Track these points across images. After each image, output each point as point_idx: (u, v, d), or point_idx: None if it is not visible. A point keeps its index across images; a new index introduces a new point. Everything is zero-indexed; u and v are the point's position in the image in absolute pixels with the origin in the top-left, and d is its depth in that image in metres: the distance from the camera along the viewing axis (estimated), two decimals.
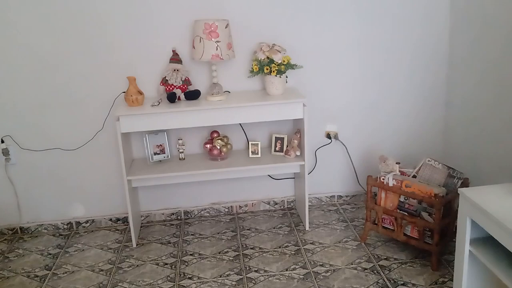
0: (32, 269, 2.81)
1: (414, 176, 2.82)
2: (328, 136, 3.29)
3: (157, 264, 2.79)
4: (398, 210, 2.74)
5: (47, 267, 2.82)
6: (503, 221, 1.68)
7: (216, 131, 3.07)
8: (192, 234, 3.12)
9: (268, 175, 3.34)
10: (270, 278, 2.60)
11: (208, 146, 3.03)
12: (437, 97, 3.29)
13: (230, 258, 2.82)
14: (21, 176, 3.11)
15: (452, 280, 2.48)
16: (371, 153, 3.32)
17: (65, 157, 3.11)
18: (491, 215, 1.73)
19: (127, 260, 2.86)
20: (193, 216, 3.37)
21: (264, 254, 2.84)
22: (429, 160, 2.82)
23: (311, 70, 3.14)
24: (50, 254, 2.97)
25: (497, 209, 1.76)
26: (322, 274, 2.62)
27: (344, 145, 3.31)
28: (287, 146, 3.07)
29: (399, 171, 2.85)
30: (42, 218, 3.23)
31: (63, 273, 2.75)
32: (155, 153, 3.06)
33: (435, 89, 3.28)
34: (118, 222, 3.30)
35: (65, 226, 3.25)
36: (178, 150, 3.09)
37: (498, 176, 2.77)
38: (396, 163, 2.87)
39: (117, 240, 3.09)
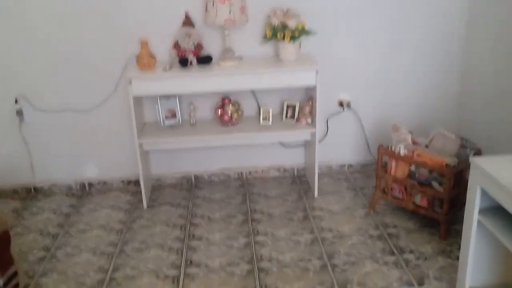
0: (45, 227, 2.88)
1: (426, 146, 2.80)
2: (341, 104, 3.26)
3: (167, 225, 2.84)
4: (409, 180, 2.73)
5: (59, 225, 2.90)
6: None
7: (227, 97, 3.05)
8: (201, 198, 3.16)
9: (279, 143, 3.34)
10: (277, 242, 2.63)
11: (219, 111, 3.03)
12: (452, 67, 3.22)
13: (239, 222, 2.86)
14: (34, 136, 3.16)
15: (459, 250, 2.49)
16: (383, 123, 3.28)
17: (78, 118, 3.14)
18: (502, 184, 1.71)
19: (138, 220, 2.91)
20: (203, 180, 3.40)
21: (272, 219, 2.87)
22: (442, 130, 2.79)
23: (325, 36, 3.08)
24: (62, 213, 3.04)
25: (509, 179, 1.74)
26: (329, 239, 2.65)
27: (357, 114, 3.28)
28: (298, 113, 3.05)
29: (411, 140, 2.83)
30: (55, 178, 3.29)
31: (76, 231, 2.82)
32: (167, 118, 3.07)
33: (450, 59, 3.20)
34: (130, 184, 3.34)
35: (78, 187, 3.31)
36: (190, 115, 3.09)
37: (510, 147, 2.74)
38: (409, 133, 2.85)
39: (128, 202, 3.15)
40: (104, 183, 3.32)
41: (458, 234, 2.65)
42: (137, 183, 3.31)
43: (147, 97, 3.11)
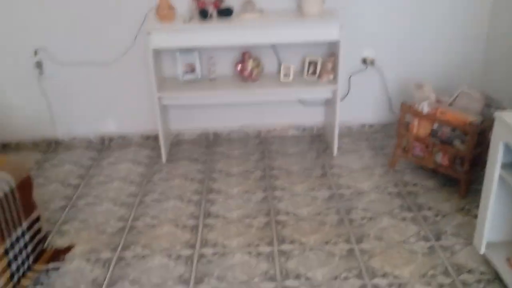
0: (66, 178, 2.94)
1: (450, 105, 2.73)
2: (364, 61, 3.19)
3: (186, 179, 2.87)
4: (431, 138, 2.69)
5: (80, 176, 2.95)
6: None
7: (247, 52, 3.01)
8: (220, 154, 3.17)
9: (299, 101, 3.30)
10: (294, 197, 2.64)
11: (239, 66, 2.99)
12: (479, 25, 3.10)
13: (257, 177, 2.86)
14: (54, 89, 3.18)
15: (478, 208, 2.46)
16: (407, 82, 3.20)
17: (97, 72, 3.14)
18: None
19: (157, 174, 2.94)
20: (221, 137, 3.40)
21: (290, 175, 2.87)
22: (466, 89, 2.71)
23: None
24: (83, 165, 3.09)
25: None
26: (347, 196, 2.64)
27: (380, 72, 3.21)
28: (320, 70, 3.00)
29: (435, 99, 2.77)
30: (75, 132, 3.32)
31: (96, 183, 2.87)
32: (186, 72, 3.05)
33: (478, 16, 3.08)
34: (149, 139, 3.37)
35: (98, 141, 3.35)
36: (209, 70, 3.06)
37: None
38: (433, 91, 2.78)
39: (147, 156, 3.18)
40: (124, 137, 3.35)
41: (477, 193, 2.60)
42: (156, 138, 3.33)
43: (166, 51, 3.08)
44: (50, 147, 3.33)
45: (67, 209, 2.60)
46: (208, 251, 2.23)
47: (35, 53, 3.05)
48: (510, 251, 1.98)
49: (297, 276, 2.05)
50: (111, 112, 3.29)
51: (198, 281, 2.04)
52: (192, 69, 3.06)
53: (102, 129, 3.33)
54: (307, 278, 2.03)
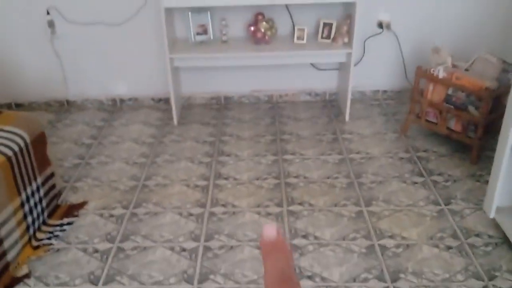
0: (79, 137, 2.97)
1: (466, 70, 2.69)
2: (380, 25, 3.12)
3: (197, 141, 2.89)
4: (445, 103, 2.66)
5: (93, 136, 2.98)
6: None
7: (261, 14, 2.96)
8: (231, 118, 3.17)
9: (311, 65, 3.26)
10: (305, 161, 2.65)
11: (252, 28, 2.95)
12: None
13: (267, 141, 2.87)
14: (66, 49, 3.17)
15: (490, 175, 2.45)
16: (423, 47, 3.13)
17: (109, 32, 3.12)
18: None
19: (169, 135, 2.96)
20: (233, 101, 3.40)
21: (301, 140, 2.87)
22: (484, 54, 2.66)
23: None
24: (95, 125, 3.11)
25: None
26: (357, 160, 2.64)
27: (396, 36, 3.15)
28: (335, 33, 2.95)
29: (451, 64, 2.72)
30: (87, 93, 3.34)
31: (109, 143, 2.90)
32: (198, 34, 3.02)
33: None
34: (160, 102, 3.37)
35: (109, 102, 3.37)
36: (221, 32, 3.03)
37: None
38: (449, 55, 2.73)
39: (159, 118, 3.19)
40: (136, 99, 3.36)
41: (489, 160, 2.59)
42: (167, 101, 3.34)
43: (178, 11, 3.04)
44: (63, 107, 3.36)
45: (80, 167, 2.65)
46: (218, 210, 2.26)
47: (47, 12, 3.04)
48: None
49: (306, 235, 2.07)
50: (122, 74, 3.29)
51: (209, 238, 2.08)
52: (204, 30, 3.02)
53: (114, 90, 3.34)
54: (316, 237, 2.06)
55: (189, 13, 2.96)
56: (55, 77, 3.26)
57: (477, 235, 2.05)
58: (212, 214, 2.23)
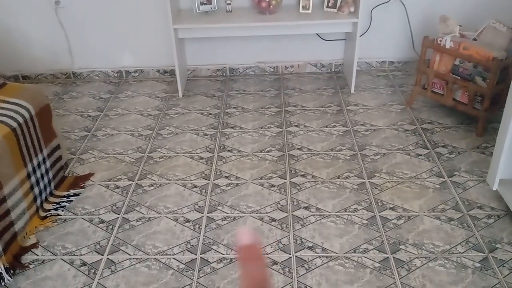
0: (85, 110, 2.99)
1: (474, 40, 2.63)
2: None
3: (202, 114, 2.89)
4: (451, 74, 2.61)
5: (99, 108, 3.00)
6: None
7: None
8: (236, 90, 3.16)
9: (317, 35, 3.22)
10: (309, 133, 2.65)
11: None
12: None
13: (272, 113, 2.87)
14: (71, 20, 3.16)
15: (495, 146, 2.44)
16: (432, 16, 3.07)
17: (113, 2, 3.09)
18: None
19: (174, 108, 2.97)
20: (238, 73, 3.37)
21: (305, 112, 2.86)
22: (493, 22, 2.59)
23: None
24: (101, 98, 3.13)
25: None
26: (362, 132, 2.63)
27: (404, 5, 3.08)
28: (341, 1, 2.89)
29: (459, 33, 2.66)
30: (93, 65, 3.34)
31: (114, 115, 2.92)
32: (202, 3, 2.98)
33: None
34: (166, 74, 3.36)
35: (115, 74, 3.37)
36: (226, 2, 2.98)
37: None
38: (457, 25, 2.67)
39: (164, 90, 3.19)
40: (141, 71, 3.35)
41: (495, 132, 2.57)
42: (172, 73, 3.33)
43: None
44: (69, 79, 3.37)
45: (86, 139, 2.68)
46: (222, 181, 2.29)
47: None
48: None
49: (307, 207, 2.10)
50: (128, 46, 3.27)
51: (212, 209, 2.12)
52: (208, 0, 2.98)
53: (120, 62, 3.33)
54: (317, 209, 2.08)
55: None
56: (61, 49, 3.26)
57: (480, 207, 2.05)
58: (215, 185, 2.26)
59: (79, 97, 3.14)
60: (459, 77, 2.58)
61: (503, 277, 1.71)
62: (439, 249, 1.85)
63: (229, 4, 2.98)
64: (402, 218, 2.01)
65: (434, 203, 2.09)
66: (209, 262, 1.84)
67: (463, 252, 1.82)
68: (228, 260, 1.84)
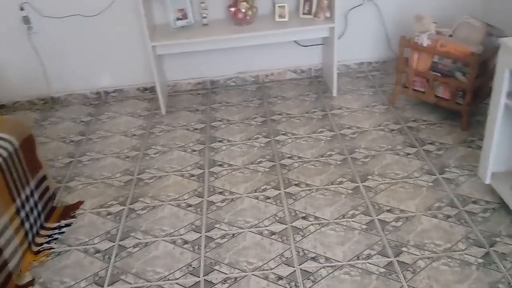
0: (67, 135, 2.91)
1: (450, 36, 2.68)
2: None
3: (187, 129, 2.85)
4: (431, 72, 2.66)
5: (81, 133, 2.92)
6: None
7: None
8: (219, 102, 3.14)
9: (295, 42, 3.22)
10: (297, 140, 2.65)
11: (232, 9, 2.89)
12: None
13: (258, 123, 2.85)
14: (45, 45, 3.07)
15: (481, 140, 2.48)
16: (405, 15, 3.11)
17: (87, 24, 3.03)
18: None
19: (158, 125, 2.92)
20: (219, 85, 3.35)
21: (291, 119, 2.86)
22: (467, 18, 2.65)
23: None
24: (82, 121, 3.06)
25: None
26: (349, 135, 2.65)
27: (377, 6, 3.11)
28: (316, 7, 2.91)
29: (435, 31, 2.71)
30: (71, 88, 3.26)
31: (98, 138, 2.85)
32: (178, 19, 2.95)
33: None
34: (146, 91, 3.31)
35: (94, 96, 3.29)
36: (201, 15, 2.96)
37: None
38: (433, 22, 2.72)
39: (146, 108, 3.14)
40: (120, 91, 3.29)
41: (479, 125, 2.63)
42: (152, 90, 3.28)
43: None
44: (47, 105, 3.27)
45: (71, 166, 2.60)
46: (216, 198, 2.26)
47: (21, 8, 2.92)
48: None
49: (306, 217, 2.09)
50: (104, 66, 3.20)
51: (209, 227, 2.08)
52: (183, 15, 2.95)
53: (97, 83, 3.26)
54: (316, 218, 2.08)
55: None
56: (36, 74, 3.17)
57: (474, 202, 2.08)
58: (210, 203, 2.23)
59: (59, 122, 3.06)
60: (439, 74, 2.63)
61: (507, 271, 1.74)
62: (441, 248, 1.86)
63: (205, 17, 2.96)
64: (400, 220, 2.03)
65: (429, 201, 2.12)
66: (213, 283, 1.81)
67: (465, 249, 1.84)
68: (232, 280, 1.82)
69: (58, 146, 2.81)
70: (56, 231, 2.16)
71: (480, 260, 1.79)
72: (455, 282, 1.71)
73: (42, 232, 2.14)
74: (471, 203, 2.08)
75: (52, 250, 2.04)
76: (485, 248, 1.84)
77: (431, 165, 2.35)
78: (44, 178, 2.25)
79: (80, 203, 2.33)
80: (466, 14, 2.72)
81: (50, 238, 2.11)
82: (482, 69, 2.54)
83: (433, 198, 2.13)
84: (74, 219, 2.23)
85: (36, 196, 2.14)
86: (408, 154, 2.45)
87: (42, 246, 2.07)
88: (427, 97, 2.73)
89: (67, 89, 3.26)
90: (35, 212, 2.12)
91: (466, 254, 1.83)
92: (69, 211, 2.28)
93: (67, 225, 2.19)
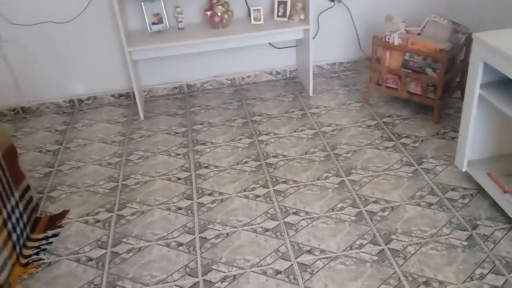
0: (43, 145, 2.84)
1: (419, 34, 2.82)
2: None
3: (168, 134, 2.85)
4: (403, 69, 2.78)
5: (57, 142, 2.86)
6: None
7: None
8: (198, 106, 3.15)
9: (270, 44, 3.29)
10: (280, 139, 2.70)
11: (208, 13, 2.92)
12: None
13: (239, 124, 2.89)
14: (15, 54, 2.98)
15: (453, 131, 2.63)
16: (373, 16, 3.25)
17: (59, 31, 2.97)
18: (508, 54, 1.77)
19: (138, 131, 2.90)
20: (196, 89, 3.36)
21: (271, 120, 2.91)
22: (434, 17, 2.79)
23: None
24: (58, 130, 2.98)
25: None
26: (329, 133, 2.73)
27: (347, 8, 3.23)
28: (290, 10, 2.98)
29: (405, 30, 2.84)
30: (42, 97, 3.17)
31: (76, 146, 2.79)
32: (153, 23, 2.95)
33: None
34: (121, 98, 3.28)
35: (67, 104, 3.22)
36: (177, 20, 2.97)
37: (502, 27, 2.79)
38: (402, 22, 2.85)
39: (123, 115, 3.10)
40: (95, 98, 3.24)
41: (449, 117, 2.78)
42: (128, 96, 3.25)
43: (129, 2, 2.93)
44: (18, 115, 3.17)
45: (51, 175, 2.54)
46: (206, 199, 2.27)
47: None
48: (488, 167, 2.15)
49: (297, 212, 2.14)
50: (78, 73, 3.14)
51: (203, 228, 2.09)
52: (159, 20, 2.95)
53: (71, 91, 3.19)
54: (306, 212, 2.13)
55: (142, 3, 2.87)
56: (6, 84, 3.06)
57: (453, 189, 2.20)
58: (200, 204, 2.24)
59: (33, 132, 2.98)
60: (410, 71, 2.75)
61: (490, 250, 1.85)
62: (427, 233, 1.96)
63: (180, 21, 2.97)
64: (387, 210, 2.11)
65: (411, 191, 2.22)
66: (213, 282, 1.83)
67: (450, 234, 1.95)
68: (231, 278, 1.84)
69: (35, 156, 2.73)
70: (44, 241, 2.10)
71: (465, 243, 1.90)
72: (444, 265, 1.81)
73: (29, 243, 2.08)
74: (450, 191, 2.20)
75: (41, 261, 1.99)
76: (468, 231, 1.96)
77: (409, 157, 2.46)
78: (27, 188, 2.19)
79: (65, 212, 2.28)
80: (432, 13, 2.87)
81: (38, 249, 2.06)
82: (450, 65, 2.69)
83: (414, 187, 2.24)
84: (61, 228, 2.18)
85: (21, 207, 2.08)
86: (387, 147, 2.56)
87: (30, 258, 2.01)
88: (400, 93, 2.85)
89: (38, 98, 3.17)
90: (21, 223, 2.06)
91: (451, 238, 1.93)
92: (55, 221, 2.23)
93: (54, 235, 2.14)
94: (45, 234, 2.14)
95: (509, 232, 1.94)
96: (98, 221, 2.20)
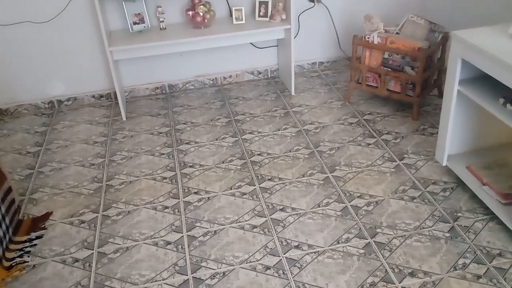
0: (22, 147, 2.78)
1: (397, 33, 2.89)
2: None
3: (152, 134, 2.83)
4: (382, 67, 2.85)
5: (37, 143, 2.80)
6: (497, 54, 1.79)
7: None
8: (180, 106, 3.14)
9: (251, 44, 3.31)
10: (264, 138, 2.72)
11: (190, 13, 2.92)
12: None
13: (223, 124, 2.90)
14: None
15: (432, 128, 2.71)
16: (352, 16, 3.32)
17: (37, 31, 2.92)
18: (485, 51, 1.84)
19: (120, 132, 2.87)
20: (178, 89, 3.35)
21: (255, 118, 2.93)
22: (411, 17, 2.87)
23: None
24: (37, 132, 2.93)
25: (490, 46, 1.87)
26: (312, 131, 2.77)
27: (327, 8, 3.28)
28: (271, 10, 3.01)
29: (384, 29, 2.90)
30: (20, 98, 3.11)
31: (57, 148, 2.75)
32: (135, 23, 2.93)
33: None
34: (102, 98, 3.24)
35: (46, 106, 3.17)
36: (159, 20, 2.96)
37: (475, 25, 2.89)
38: (381, 22, 2.91)
39: (104, 115, 3.07)
40: (75, 99, 3.19)
41: (428, 114, 2.86)
42: (109, 96, 3.22)
43: (110, 1, 2.91)
44: None
45: (33, 177, 2.49)
46: (193, 198, 2.27)
47: None
48: (468, 160, 2.22)
49: (283, 208, 2.16)
50: (57, 74, 3.09)
51: (190, 226, 2.10)
52: (140, 19, 2.93)
53: (50, 92, 3.14)
54: (293, 209, 2.16)
55: (123, 2, 2.85)
56: None
57: (434, 183, 2.27)
58: (187, 203, 2.24)
59: (12, 134, 2.91)
60: (390, 69, 2.82)
61: (471, 241, 1.92)
62: (411, 226, 2.01)
63: (162, 21, 2.96)
64: (371, 204, 2.16)
65: (394, 186, 2.27)
66: (202, 279, 1.83)
67: (432, 226, 2.01)
68: (221, 274, 1.85)
69: (15, 158, 2.68)
70: (27, 244, 2.07)
71: (447, 234, 1.96)
72: (429, 256, 1.86)
73: (12, 246, 2.04)
74: (431, 184, 2.26)
75: (25, 264, 1.96)
76: (450, 223, 2.02)
77: (391, 152, 2.52)
78: (9, 190, 2.14)
79: (48, 214, 2.24)
80: (410, 12, 2.95)
81: (21, 252, 2.02)
82: (428, 63, 2.77)
83: (397, 182, 2.30)
84: (45, 230, 2.14)
85: (3, 209, 2.04)
86: (369, 144, 2.61)
87: (13, 261, 1.97)
88: (380, 91, 2.92)
89: (16, 99, 3.11)
90: (4, 226, 2.02)
91: (434, 230, 1.99)
92: (38, 222, 2.19)
93: (38, 237, 2.11)
94: (28, 237, 2.11)
95: (489, 222, 2.01)
96: (83, 222, 2.17)
